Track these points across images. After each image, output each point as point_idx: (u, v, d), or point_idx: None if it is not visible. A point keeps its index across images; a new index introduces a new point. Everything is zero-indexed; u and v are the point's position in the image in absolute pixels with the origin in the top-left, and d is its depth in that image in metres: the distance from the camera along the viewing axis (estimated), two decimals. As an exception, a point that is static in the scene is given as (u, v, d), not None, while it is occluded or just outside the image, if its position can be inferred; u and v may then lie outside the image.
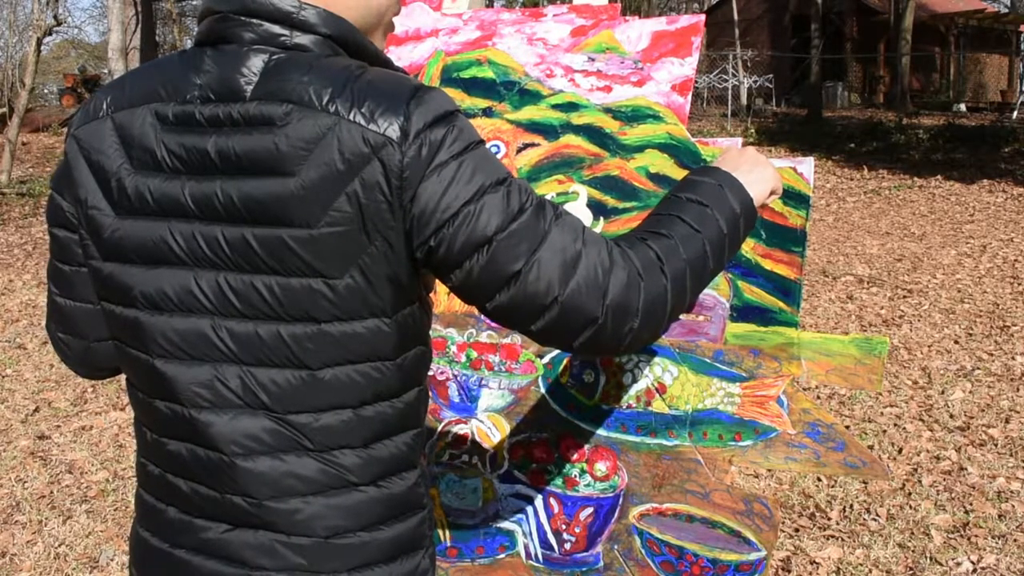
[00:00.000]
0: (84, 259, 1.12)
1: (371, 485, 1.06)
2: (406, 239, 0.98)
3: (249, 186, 0.98)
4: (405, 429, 1.09)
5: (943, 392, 4.70)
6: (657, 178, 1.75)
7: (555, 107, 1.87)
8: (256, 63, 1.00)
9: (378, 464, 1.06)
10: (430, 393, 1.83)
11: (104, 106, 1.08)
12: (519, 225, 0.99)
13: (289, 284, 0.99)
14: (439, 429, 1.83)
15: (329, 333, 1.00)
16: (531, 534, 1.76)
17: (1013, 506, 3.43)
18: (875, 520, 3.35)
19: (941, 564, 3.05)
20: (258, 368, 1.02)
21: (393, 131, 0.95)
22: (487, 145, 1.03)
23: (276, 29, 1.01)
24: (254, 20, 1.01)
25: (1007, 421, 4.30)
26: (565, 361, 1.75)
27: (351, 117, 0.95)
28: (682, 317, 1.68)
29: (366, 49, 1.06)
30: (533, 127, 1.86)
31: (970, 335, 5.70)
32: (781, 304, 1.65)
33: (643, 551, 1.69)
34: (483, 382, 1.80)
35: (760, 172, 1.23)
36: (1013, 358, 5.22)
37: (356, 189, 0.95)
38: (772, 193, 1.25)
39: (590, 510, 1.72)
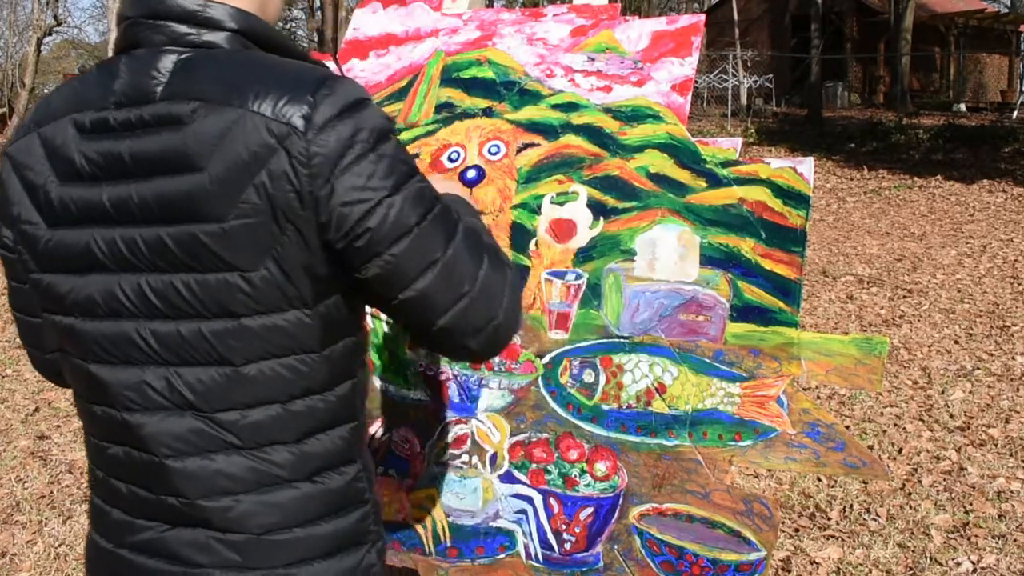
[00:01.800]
0: (26, 274, 1.13)
1: (305, 481, 1.07)
2: (319, 229, 0.99)
3: (162, 186, 0.99)
4: (340, 423, 1.10)
5: (943, 392, 4.69)
6: (657, 178, 1.75)
7: (555, 107, 1.87)
8: (166, 64, 1.01)
9: (312, 459, 1.07)
10: (430, 393, 1.83)
11: (32, 122, 1.11)
12: (435, 215, 1.03)
13: (206, 280, 1.00)
14: (439, 429, 1.83)
15: (249, 327, 1.01)
16: (531, 534, 1.76)
17: (1013, 506, 3.43)
18: (875, 520, 3.35)
19: (941, 564, 3.05)
20: (183, 368, 1.03)
21: (297, 120, 0.96)
22: (399, 137, 1.07)
23: (183, 28, 1.02)
24: (161, 22, 1.03)
25: (1007, 421, 4.30)
26: (565, 361, 1.75)
27: (256, 108, 0.97)
28: (682, 317, 1.68)
29: (278, 41, 1.07)
30: (533, 127, 1.86)
31: (970, 335, 5.70)
32: (781, 304, 1.65)
33: (643, 551, 1.69)
34: (483, 382, 1.80)
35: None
36: (1013, 358, 5.22)
37: (264, 180, 0.97)
38: None
39: (590, 510, 1.72)
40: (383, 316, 1.88)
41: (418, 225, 1.02)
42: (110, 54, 1.21)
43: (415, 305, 1.05)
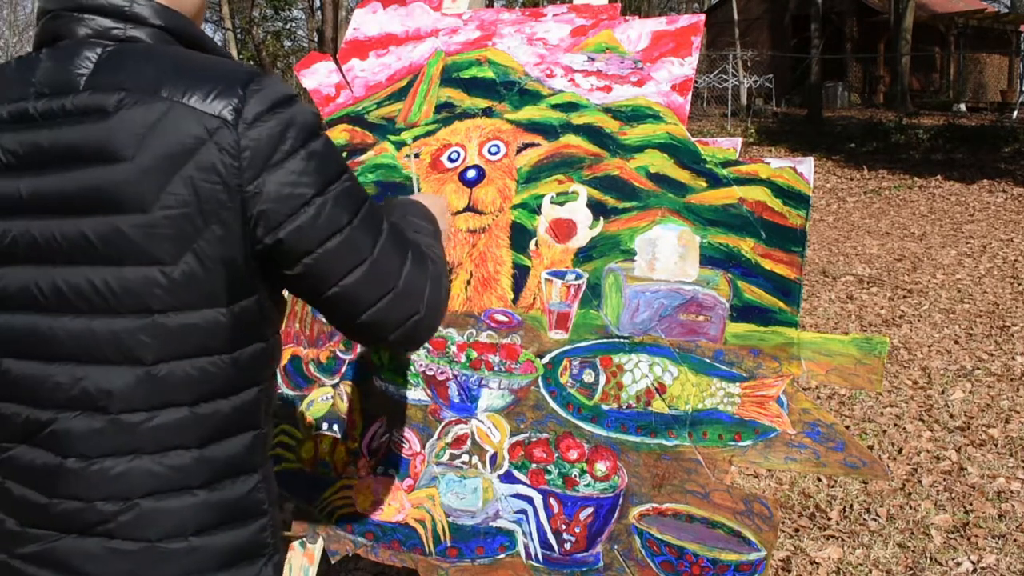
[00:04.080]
0: None
1: (204, 488, 1.05)
2: (244, 223, 0.99)
3: (84, 175, 0.99)
4: (243, 430, 1.08)
5: (943, 392, 4.69)
6: (657, 178, 1.75)
7: (555, 107, 1.87)
8: (91, 55, 1.01)
9: (213, 466, 1.06)
10: (430, 393, 1.83)
11: None
12: (364, 214, 1.06)
13: (123, 274, 0.99)
14: (439, 429, 1.83)
15: (164, 324, 1.00)
16: (531, 534, 1.76)
17: (1013, 506, 3.43)
18: (875, 520, 3.35)
19: (941, 564, 3.04)
20: (93, 366, 1.02)
21: (228, 113, 0.97)
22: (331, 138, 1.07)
23: (109, 23, 1.03)
24: (86, 15, 1.03)
25: (1007, 421, 4.30)
26: (565, 361, 1.75)
27: (185, 101, 0.98)
28: (682, 317, 1.68)
29: (201, 39, 1.09)
30: (533, 127, 1.86)
31: (970, 335, 5.70)
32: (781, 304, 1.65)
33: (643, 551, 1.69)
34: (483, 382, 1.80)
35: (443, 228, 1.36)
36: (1013, 358, 5.22)
37: (191, 171, 0.97)
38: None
39: (590, 510, 1.72)
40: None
41: (349, 224, 1.03)
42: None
43: (341, 301, 1.06)
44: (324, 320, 1.94)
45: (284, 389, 1.99)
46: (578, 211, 1.78)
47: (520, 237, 1.81)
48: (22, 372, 1.05)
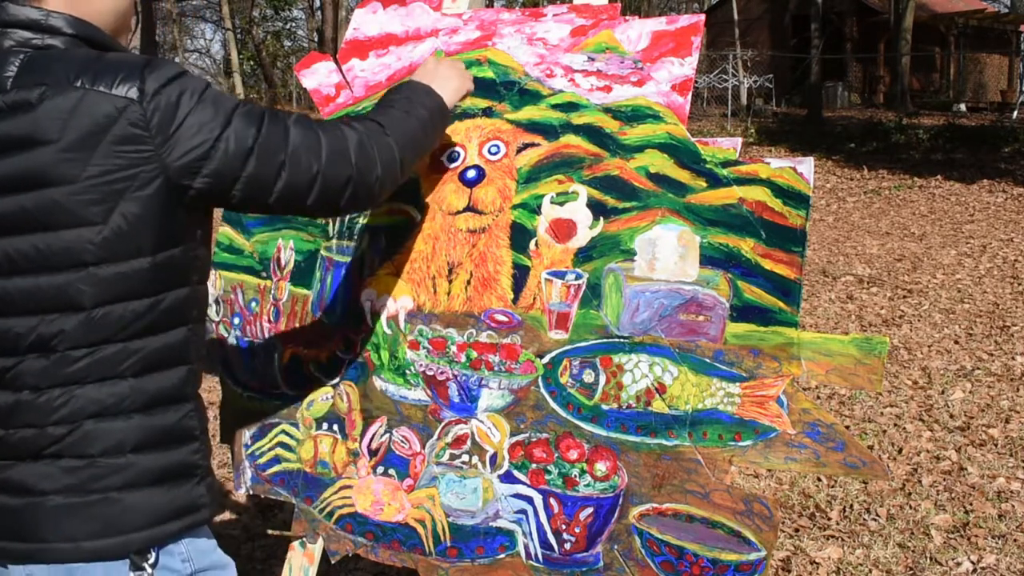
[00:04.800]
0: None
1: (141, 413, 1.24)
2: (165, 181, 1.19)
3: (18, 160, 1.17)
4: (174, 364, 1.27)
5: (943, 392, 4.69)
6: (657, 178, 1.75)
7: (555, 107, 1.86)
8: (15, 61, 1.21)
9: (147, 394, 1.24)
10: (430, 393, 1.83)
11: None
12: (267, 126, 1.26)
13: (61, 236, 1.18)
14: (439, 429, 1.83)
15: (97, 275, 1.19)
16: (531, 534, 1.76)
17: (1013, 506, 3.43)
18: (875, 520, 3.35)
19: (941, 564, 3.04)
20: (44, 314, 1.20)
21: (133, 93, 1.17)
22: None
23: (28, 34, 1.23)
24: (9, 29, 1.23)
25: (1007, 421, 4.30)
26: (565, 361, 1.75)
27: (96, 88, 1.17)
28: (681, 317, 1.68)
29: (108, 45, 1.28)
30: (533, 127, 1.86)
31: (970, 335, 5.70)
32: (781, 304, 1.65)
33: (643, 551, 1.69)
34: (483, 382, 1.80)
35: (447, 81, 1.61)
36: (1013, 358, 5.22)
37: (109, 145, 1.17)
38: (466, 93, 1.68)
39: (590, 510, 1.72)
40: (383, 316, 1.88)
41: (256, 141, 1.24)
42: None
43: (283, 202, 1.30)
44: (326, 321, 1.95)
45: (284, 389, 1.99)
46: (578, 211, 1.78)
47: (520, 237, 1.81)
48: None
